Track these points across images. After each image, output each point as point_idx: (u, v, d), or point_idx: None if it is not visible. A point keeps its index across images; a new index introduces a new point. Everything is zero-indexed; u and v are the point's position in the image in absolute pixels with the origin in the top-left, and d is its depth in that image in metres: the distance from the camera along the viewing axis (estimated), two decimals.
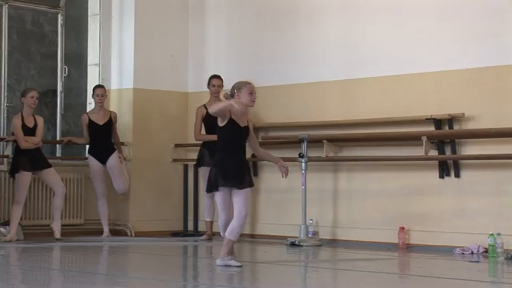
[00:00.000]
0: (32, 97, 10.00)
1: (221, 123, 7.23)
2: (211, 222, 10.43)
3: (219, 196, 7.21)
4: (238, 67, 10.95)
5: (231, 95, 7.20)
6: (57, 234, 10.01)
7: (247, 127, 7.30)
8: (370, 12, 9.93)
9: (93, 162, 10.52)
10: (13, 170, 9.96)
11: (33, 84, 10.95)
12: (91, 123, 10.54)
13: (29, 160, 9.92)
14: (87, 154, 10.73)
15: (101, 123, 10.56)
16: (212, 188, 7.22)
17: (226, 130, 7.20)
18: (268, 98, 10.61)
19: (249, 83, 7.29)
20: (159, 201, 11.24)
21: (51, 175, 10.10)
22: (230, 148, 7.25)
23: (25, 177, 9.90)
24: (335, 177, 10.13)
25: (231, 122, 7.18)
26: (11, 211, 9.95)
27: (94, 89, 10.75)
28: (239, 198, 7.10)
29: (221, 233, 7.39)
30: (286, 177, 7.30)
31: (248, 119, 7.44)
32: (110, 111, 10.73)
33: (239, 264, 7.11)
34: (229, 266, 7.06)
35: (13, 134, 10.04)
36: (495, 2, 9.01)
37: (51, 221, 10.19)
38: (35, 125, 10.04)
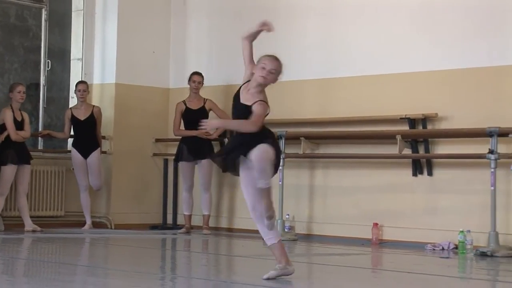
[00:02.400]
0: (19, 92, 10.00)
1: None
2: (190, 216, 10.47)
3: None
4: (218, 65, 10.98)
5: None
6: (30, 227, 9.99)
7: (244, 106, 5.99)
8: (348, 14, 9.97)
9: (75, 155, 10.52)
10: (0, 163, 9.93)
11: (16, 77, 10.92)
12: (73, 118, 10.56)
13: (16, 153, 9.91)
14: (70, 147, 10.72)
15: (82, 118, 10.56)
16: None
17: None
18: None
19: (270, 56, 6.11)
20: (139, 195, 11.25)
21: (26, 173, 10.07)
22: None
23: (11, 170, 9.90)
24: (312, 174, 10.17)
25: (238, 92, 6.09)
26: None
27: (76, 84, 10.76)
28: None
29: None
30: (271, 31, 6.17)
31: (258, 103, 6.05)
32: (93, 106, 10.73)
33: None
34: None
35: (2, 127, 9.98)
36: (466, 5, 9.07)
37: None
38: (23, 120, 10.03)
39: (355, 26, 9.90)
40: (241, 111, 5.97)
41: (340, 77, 9.97)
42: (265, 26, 6.14)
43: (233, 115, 6.10)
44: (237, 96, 6.04)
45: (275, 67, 6.01)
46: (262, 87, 6.03)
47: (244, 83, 6.05)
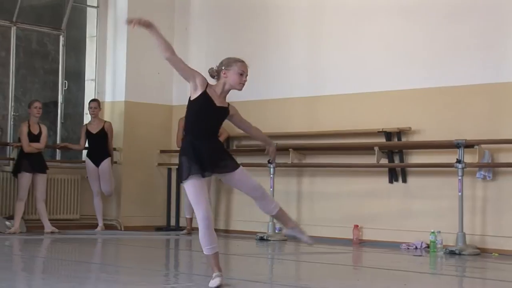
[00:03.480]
0: (36, 107, 10.01)
1: (193, 94, 5.28)
2: (191, 219, 10.41)
3: (192, 185, 5.22)
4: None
5: (217, 72, 5.39)
6: (49, 228, 9.95)
7: (225, 109, 5.37)
8: (331, 39, 9.99)
9: (89, 164, 10.53)
10: (16, 171, 9.92)
11: (36, 96, 10.90)
12: (87, 132, 10.59)
13: (30, 163, 9.88)
14: (84, 158, 10.70)
15: (94, 131, 10.57)
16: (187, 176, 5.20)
17: (196, 105, 5.28)
18: (242, 112, 10.54)
19: (241, 60, 5.41)
20: (146, 200, 11.22)
21: (42, 181, 10.01)
22: (199, 130, 5.29)
23: (25, 177, 9.86)
24: (299, 181, 10.16)
25: (204, 97, 5.26)
26: (15, 207, 9.89)
27: (88, 102, 10.76)
28: (241, 175, 5.38)
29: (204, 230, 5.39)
30: (273, 161, 5.94)
31: (229, 104, 5.49)
32: (105, 121, 10.71)
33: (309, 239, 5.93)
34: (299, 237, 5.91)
35: (19, 139, 9.99)
36: (433, 31, 9.08)
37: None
38: (40, 132, 10.01)
39: (338, 50, 9.90)
40: (221, 114, 5.36)
41: (324, 95, 9.97)
42: (272, 154, 5.99)
43: (210, 119, 5.32)
44: (208, 101, 5.27)
45: (247, 72, 5.40)
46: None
47: (202, 89, 5.27)
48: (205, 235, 5.29)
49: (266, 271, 7.04)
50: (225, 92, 5.37)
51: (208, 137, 5.33)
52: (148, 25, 5.55)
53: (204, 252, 5.31)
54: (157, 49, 5.42)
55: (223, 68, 5.37)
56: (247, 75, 5.37)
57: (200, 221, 5.29)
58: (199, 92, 5.25)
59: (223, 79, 5.35)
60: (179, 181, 5.51)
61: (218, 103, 5.31)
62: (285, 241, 9.54)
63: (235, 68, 5.34)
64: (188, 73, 5.30)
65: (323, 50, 10.05)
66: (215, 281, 5.14)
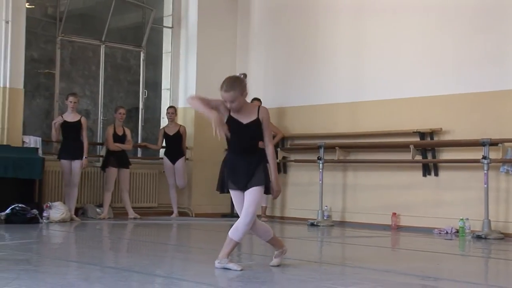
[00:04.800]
0: (120, 112, 10.16)
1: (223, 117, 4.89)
2: (266, 207, 10.53)
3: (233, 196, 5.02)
4: (273, 92, 10.99)
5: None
6: (132, 215, 10.11)
7: (254, 122, 4.91)
8: (371, 52, 9.94)
9: (166, 161, 10.62)
10: (104, 166, 10.09)
11: (121, 103, 11.07)
12: (165, 134, 10.68)
13: (116, 159, 10.04)
14: (162, 155, 10.82)
15: (171, 133, 10.66)
16: (223, 189, 5.09)
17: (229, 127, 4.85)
18: (295, 115, 10.66)
19: (221, 88, 4.95)
20: (213, 191, 11.10)
21: (126, 175, 10.15)
22: (234, 147, 4.97)
23: (112, 172, 10.01)
24: (344, 175, 10.13)
25: (230, 119, 4.91)
26: (104, 197, 10.07)
27: (167, 108, 10.88)
28: (248, 194, 4.91)
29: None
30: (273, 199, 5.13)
31: (260, 112, 4.96)
32: (180, 125, 10.80)
33: (239, 268, 4.90)
34: (228, 269, 4.92)
35: (107, 140, 10.17)
36: (464, 43, 8.96)
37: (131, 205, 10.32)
38: (124, 134, 10.16)
39: (376, 62, 9.85)
40: (251, 129, 4.96)
41: (365, 100, 9.93)
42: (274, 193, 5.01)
43: (242, 137, 4.96)
44: (235, 122, 4.92)
45: (229, 99, 4.86)
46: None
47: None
48: (244, 229, 4.95)
49: (316, 252, 7.06)
50: (235, 110, 4.89)
51: (245, 153, 4.93)
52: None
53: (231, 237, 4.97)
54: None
55: (244, 90, 4.95)
56: (231, 101, 4.83)
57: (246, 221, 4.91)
58: (226, 117, 4.90)
59: (243, 97, 4.97)
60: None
61: (244, 120, 4.90)
62: (332, 226, 9.53)
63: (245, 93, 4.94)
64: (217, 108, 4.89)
65: (363, 63, 10.00)
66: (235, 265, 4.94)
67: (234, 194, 4.98)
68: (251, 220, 4.90)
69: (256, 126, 4.92)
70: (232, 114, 4.89)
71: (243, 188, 4.92)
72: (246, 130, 4.89)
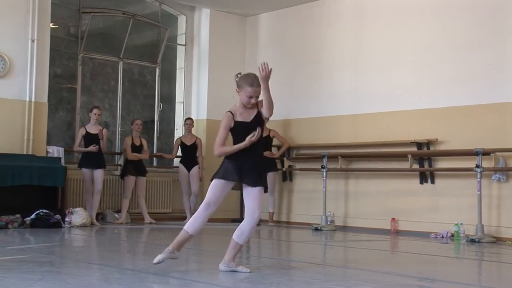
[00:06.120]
0: (137, 124, 10.17)
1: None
2: (273, 213, 10.52)
3: (217, 184, 4.84)
4: (279, 105, 10.83)
5: (238, 85, 4.81)
6: (148, 220, 10.10)
7: (257, 117, 4.78)
8: (371, 68, 9.96)
9: (182, 169, 10.58)
10: (123, 174, 10.11)
11: (138, 115, 11.10)
12: (182, 144, 10.64)
13: (134, 168, 10.04)
14: (178, 163, 10.76)
15: (188, 143, 10.63)
16: (220, 176, 4.85)
17: (235, 132, 4.80)
18: (300, 127, 10.67)
19: (251, 85, 4.71)
20: (223, 197, 11.26)
21: (142, 182, 10.15)
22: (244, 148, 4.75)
23: (130, 179, 10.02)
24: (346, 182, 10.12)
25: (236, 124, 4.79)
26: (122, 203, 10.08)
27: (185, 120, 10.85)
28: (253, 197, 4.79)
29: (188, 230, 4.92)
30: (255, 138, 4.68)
31: (258, 103, 4.80)
32: (197, 137, 10.76)
33: (248, 270, 4.84)
34: (236, 271, 4.84)
35: (125, 150, 10.20)
36: (456, 59, 8.97)
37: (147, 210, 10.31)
38: (141, 144, 10.17)
39: (376, 78, 9.87)
40: (258, 123, 4.81)
41: (365, 113, 9.95)
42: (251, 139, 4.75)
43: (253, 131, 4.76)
44: (242, 125, 4.79)
45: (257, 95, 4.77)
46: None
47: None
48: (198, 217, 4.86)
49: (320, 255, 7.04)
50: (253, 105, 4.76)
51: (252, 151, 4.76)
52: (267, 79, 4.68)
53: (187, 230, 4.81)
54: (268, 106, 4.70)
55: (237, 88, 4.79)
56: (257, 97, 4.69)
57: (203, 206, 4.85)
58: (232, 125, 4.78)
59: (238, 94, 4.79)
60: (212, 176, 4.95)
61: (249, 118, 4.77)
62: (335, 230, 9.52)
63: (245, 91, 4.72)
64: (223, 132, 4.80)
65: (364, 78, 10.02)
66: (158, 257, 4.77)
67: (222, 183, 4.80)
68: (256, 223, 4.84)
69: (259, 119, 4.78)
70: (237, 118, 4.77)
71: (241, 180, 4.73)
72: (252, 126, 4.75)
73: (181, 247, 4.91)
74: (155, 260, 4.86)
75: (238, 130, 4.78)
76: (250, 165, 4.76)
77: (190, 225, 4.88)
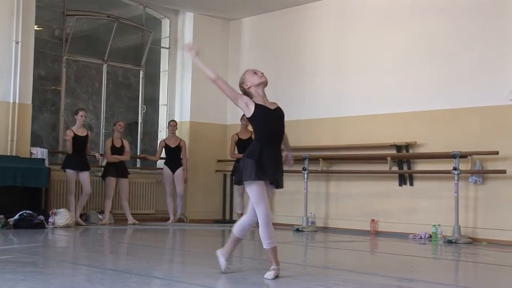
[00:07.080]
0: (119, 125, 10.12)
1: (247, 112, 4.66)
2: (242, 214, 10.38)
3: (256, 186, 4.61)
4: None
5: (246, 93, 4.82)
6: (131, 221, 10.05)
7: (278, 109, 4.77)
8: (352, 72, 10.00)
9: (166, 171, 10.55)
10: (104, 176, 10.05)
11: (122, 117, 11.04)
12: (166, 146, 10.60)
13: (114, 169, 9.99)
14: (162, 165, 10.70)
15: (172, 146, 10.59)
16: (252, 178, 4.60)
17: (257, 117, 4.65)
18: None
19: (248, 69, 4.90)
20: (206, 198, 11.30)
21: (125, 184, 10.09)
22: (267, 136, 4.65)
23: (111, 181, 9.96)
24: (327, 184, 10.15)
25: (259, 107, 4.65)
26: (104, 204, 10.03)
27: (169, 122, 10.83)
28: (269, 196, 4.78)
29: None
30: (290, 165, 4.88)
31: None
32: (180, 139, 10.73)
33: (224, 266, 4.87)
34: (218, 262, 4.90)
35: (105, 151, 10.12)
36: (432, 64, 9.03)
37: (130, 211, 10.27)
38: (122, 146, 10.12)
39: (356, 81, 9.91)
40: (280, 114, 4.79)
41: (346, 116, 9.98)
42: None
43: (274, 122, 4.72)
44: (265, 109, 4.71)
45: (258, 69, 4.88)
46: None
47: (253, 107, 4.72)
48: (265, 230, 4.73)
49: (301, 255, 7.05)
50: (263, 96, 4.76)
51: (275, 145, 4.65)
52: (197, 53, 4.87)
53: (264, 246, 4.77)
54: (203, 74, 4.80)
55: (243, 85, 4.80)
56: (260, 71, 4.80)
57: (261, 219, 4.68)
58: (252, 106, 4.66)
59: (251, 89, 4.77)
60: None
61: (271, 106, 4.75)
62: (316, 231, 9.53)
63: (248, 75, 4.78)
64: (235, 93, 4.72)
65: (345, 81, 10.06)
66: (271, 273, 4.64)
67: (260, 184, 4.61)
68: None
69: (280, 112, 4.74)
70: (257, 101, 4.66)
71: (272, 180, 4.66)
72: (275, 114, 4.68)
73: (275, 259, 4.76)
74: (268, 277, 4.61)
75: (261, 113, 4.66)
76: (273, 161, 4.64)
77: (266, 239, 4.76)
